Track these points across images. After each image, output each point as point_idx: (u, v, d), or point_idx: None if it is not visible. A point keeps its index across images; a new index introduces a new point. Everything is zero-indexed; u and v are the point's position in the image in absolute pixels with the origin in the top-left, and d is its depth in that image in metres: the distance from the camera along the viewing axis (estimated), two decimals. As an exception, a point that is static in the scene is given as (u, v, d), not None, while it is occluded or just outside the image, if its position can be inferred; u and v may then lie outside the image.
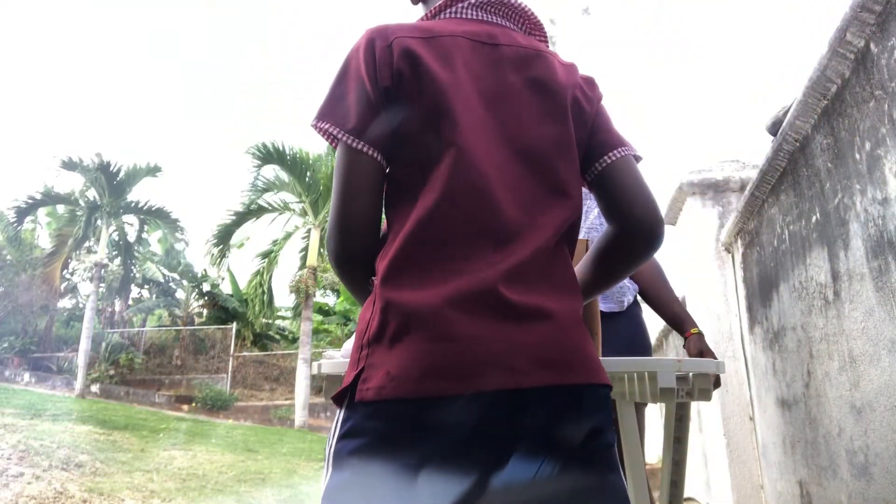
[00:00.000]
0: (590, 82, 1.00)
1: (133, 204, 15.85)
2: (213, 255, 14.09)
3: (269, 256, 14.64)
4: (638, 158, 0.98)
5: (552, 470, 0.74)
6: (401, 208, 0.84)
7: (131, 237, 17.09)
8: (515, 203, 0.83)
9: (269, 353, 18.53)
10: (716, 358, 1.75)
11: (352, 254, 0.86)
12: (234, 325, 17.43)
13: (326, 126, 0.86)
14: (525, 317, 0.78)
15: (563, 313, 0.82)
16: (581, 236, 1.86)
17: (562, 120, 0.91)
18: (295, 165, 13.90)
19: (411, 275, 0.79)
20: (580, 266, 1.02)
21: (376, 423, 0.74)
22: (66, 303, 19.69)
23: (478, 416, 0.74)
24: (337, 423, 0.78)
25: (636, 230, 0.92)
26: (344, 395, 0.78)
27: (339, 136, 0.84)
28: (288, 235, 14.84)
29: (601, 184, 0.95)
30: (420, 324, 0.76)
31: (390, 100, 0.85)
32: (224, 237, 14.10)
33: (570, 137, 0.91)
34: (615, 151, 0.95)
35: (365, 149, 0.84)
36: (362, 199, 0.85)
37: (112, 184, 15.19)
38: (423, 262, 0.80)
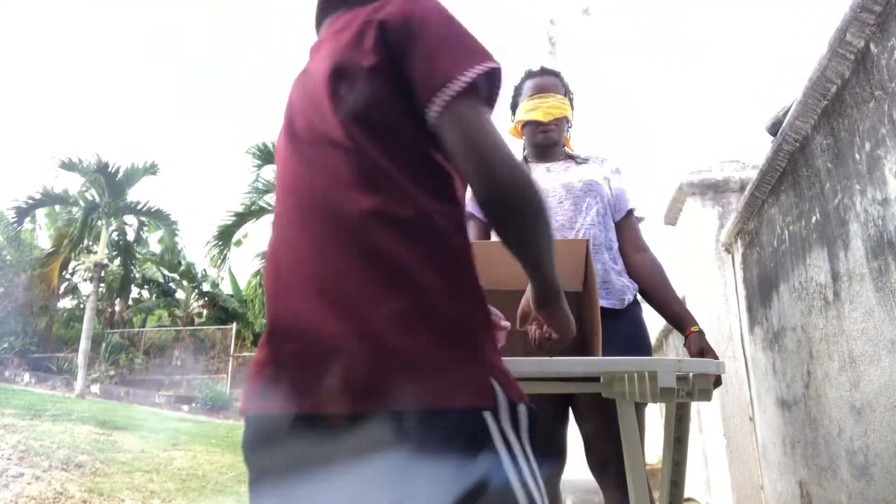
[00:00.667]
0: (368, 24, 0.80)
1: (133, 204, 15.85)
2: (213, 255, 14.09)
3: (270, 257, 14.61)
4: (474, 88, 0.76)
5: None
6: None
7: (131, 237, 17.10)
8: None
9: (269, 353, 18.49)
10: (716, 357, 1.75)
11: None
12: (234, 325, 17.42)
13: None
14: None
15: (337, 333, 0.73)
16: (581, 235, 1.86)
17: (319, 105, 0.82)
18: (295, 165, 13.87)
19: None
20: None
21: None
22: (66, 303, 19.68)
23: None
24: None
25: (480, 197, 0.76)
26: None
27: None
28: (288, 235, 14.81)
29: (437, 136, 0.78)
30: None
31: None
32: (224, 238, 14.09)
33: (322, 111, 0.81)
34: (438, 93, 0.75)
35: None
36: None
37: (111, 184, 15.18)
38: None
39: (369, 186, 0.74)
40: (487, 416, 0.68)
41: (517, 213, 0.76)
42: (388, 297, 0.70)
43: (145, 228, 17.44)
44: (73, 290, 19.69)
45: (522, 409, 0.72)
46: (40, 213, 17.44)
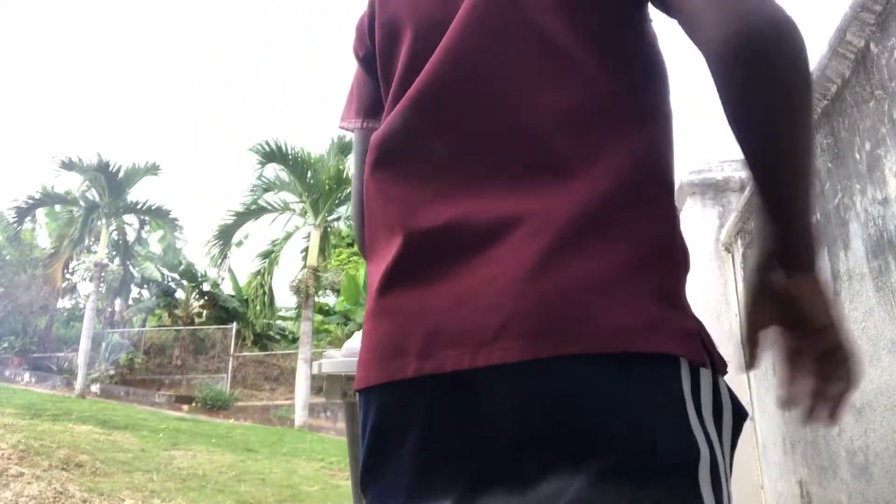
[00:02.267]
0: None
1: (133, 204, 15.85)
2: (213, 255, 14.09)
3: (270, 257, 14.63)
4: None
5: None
6: None
7: (131, 237, 17.10)
8: None
9: (269, 353, 18.53)
10: (716, 357, 1.75)
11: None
12: (235, 325, 17.43)
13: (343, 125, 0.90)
14: (457, 253, 0.62)
15: (537, 217, 0.59)
16: None
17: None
18: (296, 165, 13.89)
19: None
20: None
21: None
22: (66, 303, 19.70)
23: (388, 412, 0.62)
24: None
25: (707, 46, 0.57)
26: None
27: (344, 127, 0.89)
28: (288, 235, 14.84)
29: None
30: None
31: (374, 66, 0.82)
32: (225, 237, 14.09)
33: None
34: None
35: (355, 125, 0.87)
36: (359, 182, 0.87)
37: (112, 183, 15.19)
38: None
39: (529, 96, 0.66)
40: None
41: (783, 63, 0.54)
42: (568, 202, 0.62)
43: (146, 228, 17.45)
44: (72, 290, 19.70)
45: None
46: (40, 212, 17.46)
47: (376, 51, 0.79)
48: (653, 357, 0.57)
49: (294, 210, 14.68)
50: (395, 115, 0.69)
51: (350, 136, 0.90)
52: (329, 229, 14.93)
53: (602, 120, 0.62)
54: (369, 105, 0.82)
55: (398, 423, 0.63)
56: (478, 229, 0.61)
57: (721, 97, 0.57)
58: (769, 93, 0.54)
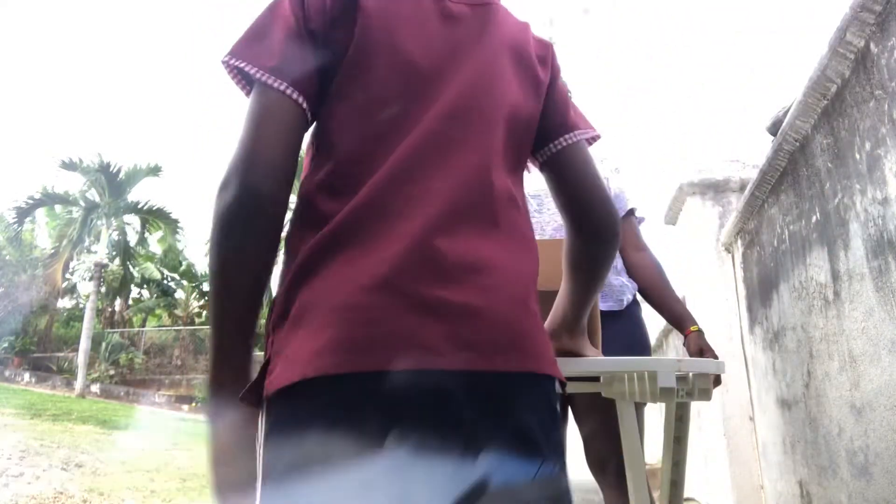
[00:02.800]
0: (546, 46, 0.91)
1: (133, 204, 15.85)
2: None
3: (270, 256, 14.63)
4: (594, 140, 0.92)
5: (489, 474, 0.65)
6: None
7: (131, 237, 17.10)
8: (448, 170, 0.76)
9: (269, 353, 18.52)
10: (716, 356, 1.74)
11: (260, 198, 0.69)
12: (234, 325, 17.43)
13: (241, 64, 0.74)
14: (458, 275, 0.69)
15: (509, 271, 0.73)
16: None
17: (505, 80, 0.82)
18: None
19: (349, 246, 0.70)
20: (561, 284, 0.96)
21: (280, 416, 0.66)
22: (66, 303, 19.69)
23: (381, 401, 0.63)
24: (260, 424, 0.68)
25: (591, 227, 0.87)
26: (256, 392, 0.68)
27: (256, 74, 0.73)
28: (288, 235, 14.85)
29: (552, 168, 0.88)
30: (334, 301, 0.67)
31: (320, 42, 0.75)
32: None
33: (515, 100, 0.82)
34: (569, 135, 0.88)
35: (288, 91, 0.73)
36: (279, 144, 0.71)
37: (112, 184, 15.19)
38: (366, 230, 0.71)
39: (510, 172, 0.82)
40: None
41: (615, 245, 0.89)
42: (528, 264, 0.78)
43: (148, 227, 17.43)
44: (72, 290, 19.70)
45: None
46: (40, 212, 17.45)
47: (356, 54, 0.76)
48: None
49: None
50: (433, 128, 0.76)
51: None
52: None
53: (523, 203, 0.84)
54: (306, 85, 0.74)
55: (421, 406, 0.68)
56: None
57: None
58: (608, 259, 0.93)
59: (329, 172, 0.74)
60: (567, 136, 0.88)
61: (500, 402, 0.68)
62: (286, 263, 0.73)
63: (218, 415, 0.69)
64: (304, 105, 0.74)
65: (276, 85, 0.72)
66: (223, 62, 0.76)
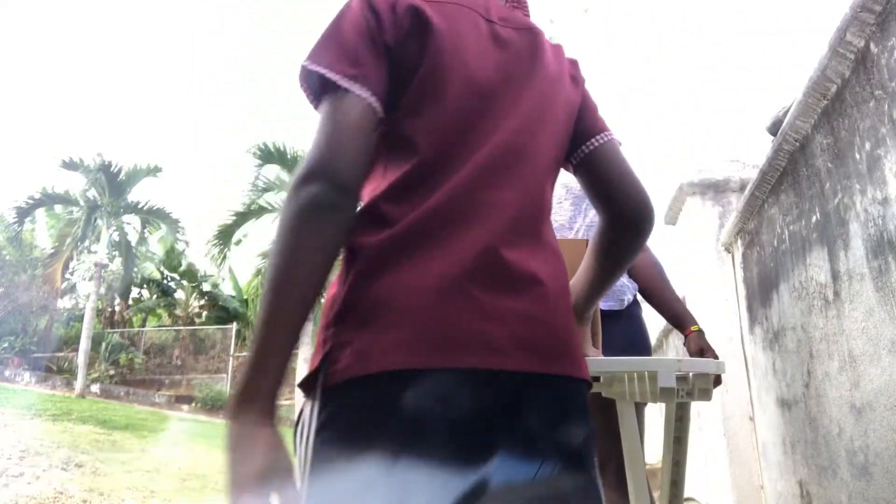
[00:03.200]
0: (576, 65, 0.99)
1: (134, 204, 15.85)
2: (213, 255, 14.09)
3: (270, 256, 14.64)
4: (619, 144, 0.98)
5: (549, 471, 0.71)
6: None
7: (132, 237, 17.09)
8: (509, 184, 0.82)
9: (269, 353, 18.49)
10: (716, 356, 1.75)
11: (345, 191, 0.72)
12: (235, 325, 17.43)
13: (322, 70, 0.77)
14: (518, 284, 0.76)
15: (556, 286, 0.80)
16: (580, 235, 1.86)
17: (552, 102, 0.90)
18: (296, 165, 13.91)
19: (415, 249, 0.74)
20: (580, 268, 1.01)
21: (344, 408, 0.68)
22: (66, 303, 19.69)
23: (451, 396, 0.68)
24: (310, 415, 0.72)
25: (629, 218, 0.92)
26: (313, 382, 0.72)
27: (339, 80, 0.76)
28: (288, 235, 14.84)
29: (588, 169, 0.94)
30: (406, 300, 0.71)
31: (392, 54, 0.80)
32: (224, 237, 14.09)
33: (558, 119, 0.90)
34: (601, 136, 0.94)
35: (368, 97, 0.76)
36: (360, 146, 0.75)
37: (113, 184, 15.20)
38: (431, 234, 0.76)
39: (551, 185, 0.90)
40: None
41: (649, 234, 0.95)
42: (564, 276, 0.85)
43: (148, 228, 17.43)
44: (72, 290, 19.70)
45: None
46: (40, 212, 17.45)
47: (431, 74, 0.81)
48: None
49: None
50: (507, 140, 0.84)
51: None
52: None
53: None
54: (381, 91, 0.79)
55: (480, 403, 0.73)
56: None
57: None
58: (640, 246, 0.99)
59: (404, 174, 0.78)
60: (599, 137, 0.94)
61: (555, 403, 0.75)
62: (347, 260, 0.77)
63: (249, 421, 0.67)
64: (380, 112, 0.78)
65: (357, 91, 0.76)
66: (303, 66, 0.80)
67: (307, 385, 0.72)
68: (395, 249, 0.73)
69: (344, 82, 0.76)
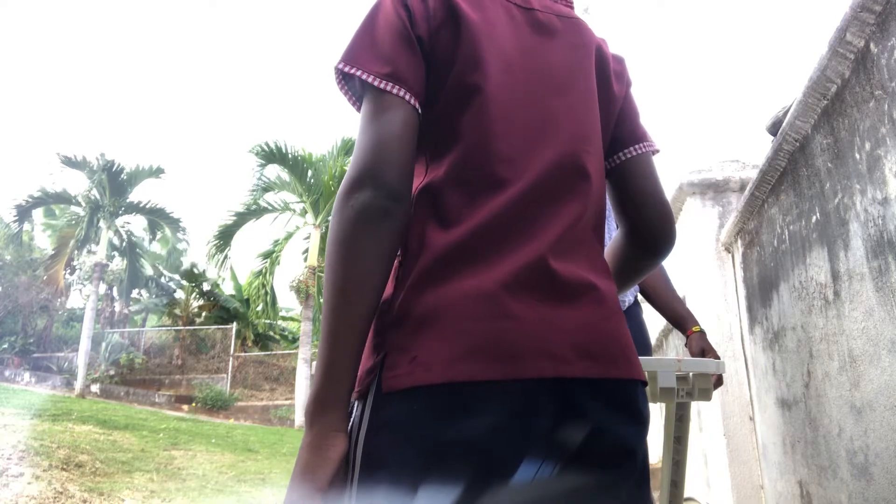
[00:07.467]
0: (621, 61, 0.95)
1: (135, 204, 15.85)
2: (214, 255, 14.10)
3: (271, 257, 14.65)
4: (656, 153, 0.95)
5: (615, 476, 0.72)
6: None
7: (134, 237, 17.09)
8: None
9: (269, 353, 18.54)
10: (718, 356, 1.75)
11: (397, 195, 0.71)
12: (235, 325, 17.43)
13: (355, 71, 0.76)
14: (572, 293, 0.75)
15: (607, 291, 0.79)
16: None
17: (600, 98, 0.88)
18: (296, 165, 13.92)
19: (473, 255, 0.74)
20: None
21: (404, 415, 0.67)
22: (66, 303, 19.69)
23: (517, 407, 0.67)
24: (361, 417, 0.71)
25: (651, 237, 0.91)
26: (368, 385, 0.71)
27: (374, 82, 0.75)
28: (289, 236, 14.86)
29: (620, 177, 0.92)
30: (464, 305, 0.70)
31: (426, 48, 0.79)
32: (225, 237, 14.10)
33: (606, 120, 0.88)
34: (640, 145, 0.92)
35: (406, 96, 0.76)
36: (405, 146, 0.74)
37: (114, 184, 15.20)
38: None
39: (599, 184, 0.86)
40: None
41: (664, 259, 0.95)
42: (612, 283, 0.83)
43: (159, 231, 17.39)
44: (72, 289, 19.69)
45: None
46: (39, 214, 17.46)
47: (460, 62, 0.79)
48: None
49: (294, 210, 14.70)
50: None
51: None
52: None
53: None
54: (419, 88, 0.78)
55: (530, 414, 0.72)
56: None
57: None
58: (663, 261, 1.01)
59: (454, 167, 0.77)
60: (637, 146, 0.92)
61: (619, 406, 0.75)
62: (404, 257, 0.76)
63: (328, 427, 0.68)
64: (419, 108, 0.77)
65: (394, 91, 0.75)
66: (336, 68, 0.79)
67: (360, 388, 0.72)
68: (456, 256, 0.73)
69: (382, 84, 0.75)
